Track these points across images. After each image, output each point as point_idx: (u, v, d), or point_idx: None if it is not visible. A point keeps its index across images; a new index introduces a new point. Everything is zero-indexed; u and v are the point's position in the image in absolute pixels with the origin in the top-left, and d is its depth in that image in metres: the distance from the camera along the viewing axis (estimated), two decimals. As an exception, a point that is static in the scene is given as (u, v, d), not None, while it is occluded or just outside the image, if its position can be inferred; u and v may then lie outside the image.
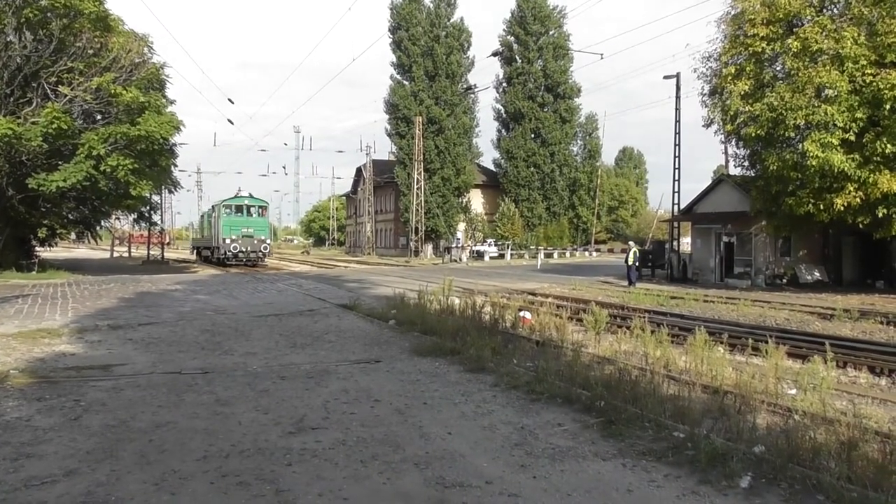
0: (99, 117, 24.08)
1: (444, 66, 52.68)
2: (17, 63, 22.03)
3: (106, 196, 25.67)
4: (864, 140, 18.59)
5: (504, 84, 57.05)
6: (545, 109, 56.13)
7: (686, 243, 35.40)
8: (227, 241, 35.24)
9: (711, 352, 7.85)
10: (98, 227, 34.68)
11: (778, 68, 21.64)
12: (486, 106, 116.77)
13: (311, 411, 6.04)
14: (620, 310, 15.78)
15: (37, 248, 31.55)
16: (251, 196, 38.17)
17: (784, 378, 7.42)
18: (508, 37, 56.27)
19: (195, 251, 50.16)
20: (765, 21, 20.66)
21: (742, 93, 20.92)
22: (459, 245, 49.87)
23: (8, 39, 21.81)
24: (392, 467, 4.61)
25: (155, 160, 25.30)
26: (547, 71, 55.64)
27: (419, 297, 13.01)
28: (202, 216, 47.96)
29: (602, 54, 64.87)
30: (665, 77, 30.51)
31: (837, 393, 7.65)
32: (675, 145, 29.86)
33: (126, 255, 51.03)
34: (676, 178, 29.99)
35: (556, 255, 51.75)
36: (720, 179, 29.43)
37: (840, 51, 18.51)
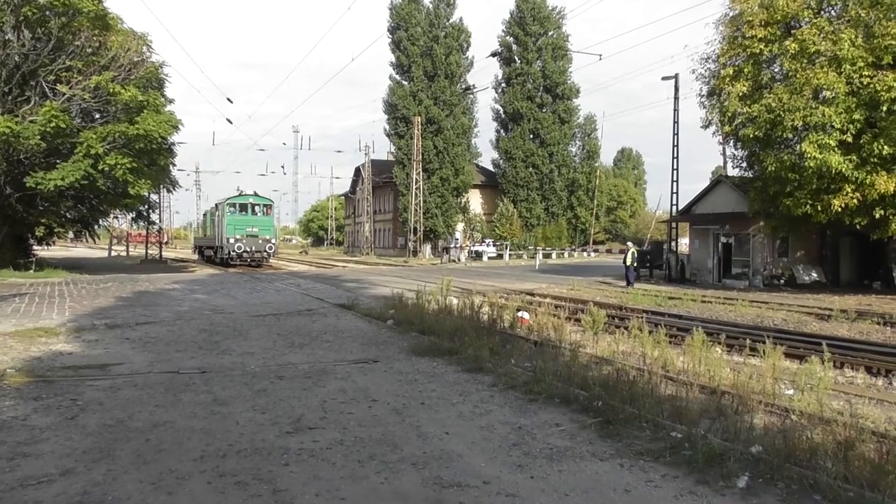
0: (97, 116, 24.05)
1: (443, 67, 52.68)
2: (15, 61, 21.99)
3: (104, 195, 25.63)
4: (861, 141, 18.63)
5: (503, 84, 57.08)
6: (544, 110, 56.15)
7: (684, 244, 35.47)
8: (231, 240, 34.36)
9: (709, 352, 7.85)
10: (96, 226, 34.66)
11: (776, 70, 21.69)
12: (485, 106, 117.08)
13: (308, 411, 6.03)
14: (618, 310, 15.79)
15: (34, 247, 31.48)
16: (256, 194, 37.27)
17: (781, 378, 7.42)
18: (507, 37, 56.30)
19: (197, 251, 49.04)
20: (763, 23, 20.70)
21: (740, 94, 20.96)
22: (458, 245, 49.87)
23: (6, 38, 21.78)
24: (390, 467, 4.61)
25: (153, 159, 25.25)
26: (546, 71, 55.67)
27: (417, 297, 13.01)
28: (205, 215, 46.88)
29: (601, 55, 64.53)
30: (663, 78, 30.58)
31: (834, 393, 7.66)
32: (674, 146, 29.91)
33: (124, 254, 50.93)
34: (675, 178, 30.05)
35: (554, 256, 51.78)
36: (718, 180, 29.49)
37: (838, 53, 18.55)
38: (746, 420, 5.55)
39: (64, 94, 21.70)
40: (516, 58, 56.04)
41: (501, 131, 57.89)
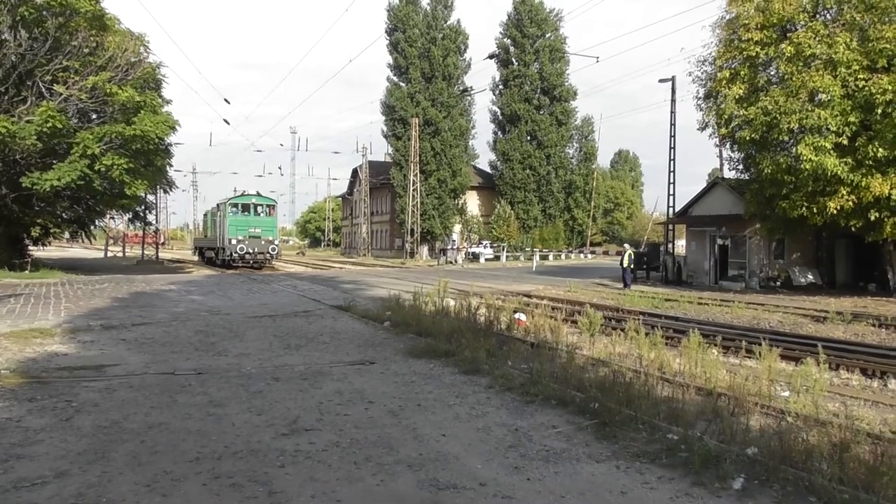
0: (94, 116, 24.01)
1: (441, 68, 52.73)
2: (12, 61, 21.93)
3: (100, 195, 25.57)
4: (856, 144, 18.71)
5: (500, 86, 57.17)
6: (541, 112, 56.23)
7: (681, 246, 35.53)
8: (234, 241, 33.47)
9: (705, 354, 7.86)
10: (92, 227, 34.57)
11: (772, 73, 21.76)
12: (483, 108, 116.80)
13: (304, 413, 6.02)
14: (615, 312, 15.81)
15: (30, 248, 31.35)
16: (259, 194, 36.60)
17: (777, 380, 7.44)
18: (505, 39, 56.39)
19: (197, 252, 47.71)
20: (759, 26, 20.77)
21: (736, 96, 21.02)
22: (455, 247, 49.88)
23: (3, 37, 21.74)
24: (386, 469, 4.60)
25: (150, 160, 25.21)
26: (543, 73, 55.76)
27: (414, 298, 13.01)
28: (205, 215, 45.36)
29: (598, 57, 64.77)
30: (660, 80, 30.65)
31: (830, 395, 7.68)
32: (671, 148, 29.99)
33: (120, 254, 50.82)
34: (671, 181, 30.12)
35: (551, 257, 51.82)
36: (715, 182, 29.56)
37: (833, 56, 18.62)
38: (742, 422, 5.56)
39: (61, 94, 21.65)
40: (514, 60, 56.13)
41: (499, 133, 57.97)
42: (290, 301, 16.31)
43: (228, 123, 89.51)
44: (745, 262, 25.92)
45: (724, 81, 21.62)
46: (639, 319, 10.95)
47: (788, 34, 20.60)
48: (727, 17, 22.45)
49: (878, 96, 17.52)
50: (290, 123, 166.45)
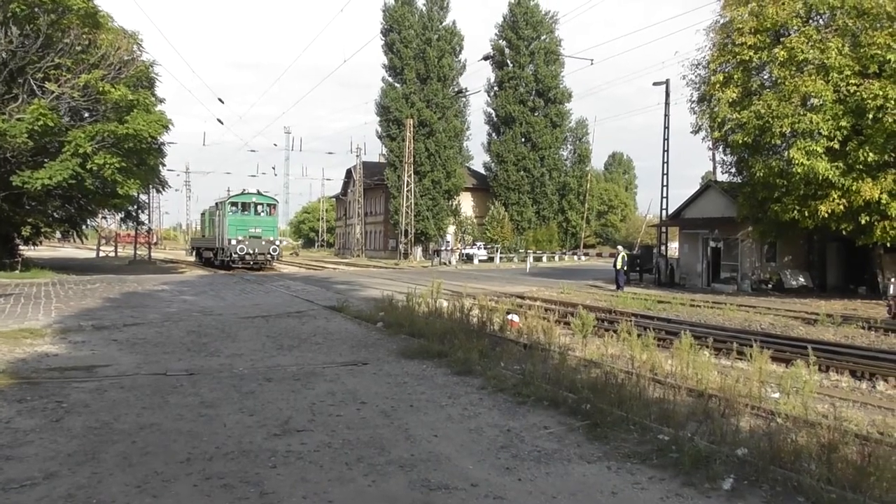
0: (86, 115, 23.88)
1: (436, 69, 52.74)
2: (2, 58, 21.81)
3: (92, 195, 25.45)
4: (847, 148, 18.84)
5: (495, 88, 57.23)
6: (536, 114, 56.33)
7: (674, 248, 35.64)
8: (233, 241, 32.36)
9: (697, 355, 7.91)
10: (84, 226, 34.43)
11: (765, 77, 21.90)
12: (477, 109, 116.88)
13: (296, 413, 6.02)
14: (608, 313, 15.86)
15: (21, 247, 31.16)
16: (259, 193, 35.65)
17: (768, 382, 7.49)
18: (500, 41, 56.45)
19: (195, 252, 46.11)
20: (752, 30, 20.90)
21: (730, 100, 21.15)
22: (449, 248, 49.88)
23: (-6, 35, 21.60)
24: (377, 469, 4.60)
25: (143, 159, 25.12)
26: (538, 75, 55.87)
27: (407, 299, 13.01)
28: (203, 214, 43.92)
29: (592, 60, 65.39)
30: (654, 83, 30.84)
31: (819, 396, 7.73)
32: (664, 151, 30.11)
33: (112, 254, 50.55)
34: (665, 183, 30.26)
35: (545, 259, 51.90)
36: (708, 185, 29.69)
37: (825, 61, 18.76)
38: (733, 423, 5.60)
39: (52, 92, 21.53)
40: (509, 61, 56.21)
41: (493, 134, 58.03)
42: (283, 301, 16.28)
43: (222, 123, 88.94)
44: (737, 264, 26.05)
45: (718, 85, 21.75)
46: (631, 321, 10.99)
47: (782, 39, 20.74)
48: (721, 21, 22.60)
49: (869, 101, 17.65)
50: (284, 123, 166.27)
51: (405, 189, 51.14)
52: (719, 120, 21.82)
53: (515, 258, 50.02)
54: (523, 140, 56.28)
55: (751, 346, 7.58)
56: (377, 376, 7.71)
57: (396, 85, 53.55)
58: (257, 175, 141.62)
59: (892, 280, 19.10)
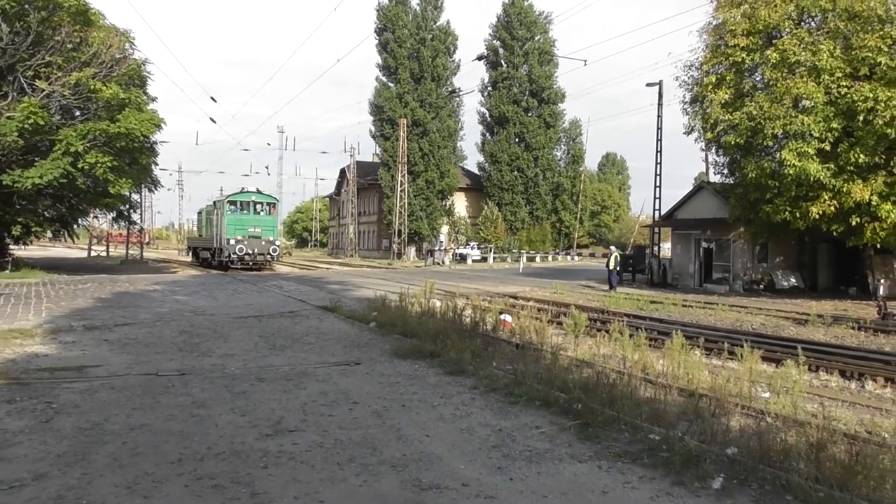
0: (77, 113, 23.74)
1: (430, 69, 52.75)
2: (-7, 56, 21.67)
3: (84, 194, 25.30)
4: (838, 150, 18.98)
5: (489, 88, 57.31)
6: (530, 114, 56.45)
7: (666, 248, 35.81)
8: (232, 241, 31.47)
9: (688, 355, 7.94)
10: (75, 226, 34.14)
11: (757, 78, 22.03)
12: (471, 109, 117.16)
13: (288, 413, 6.01)
14: (600, 313, 15.90)
15: (11, 247, 30.92)
16: (259, 191, 34.82)
17: (758, 381, 7.54)
18: (494, 41, 56.55)
19: (191, 252, 44.63)
20: (745, 32, 21.01)
21: (722, 101, 21.25)
22: (442, 248, 49.91)
23: (-16, 32, 21.45)
24: (369, 469, 4.61)
25: (135, 158, 25.00)
26: (532, 76, 55.98)
27: (400, 299, 13.01)
28: (200, 213, 42.51)
29: (585, 61, 65.52)
30: (648, 85, 31.12)
31: (809, 396, 7.79)
32: (657, 152, 30.25)
33: (104, 254, 50.29)
34: (658, 184, 30.38)
35: (538, 259, 52.00)
36: (700, 186, 29.84)
37: (817, 63, 18.88)
38: (723, 422, 5.62)
39: (43, 90, 21.40)
40: (503, 62, 56.29)
41: (487, 135, 58.11)
42: (276, 301, 16.24)
43: (215, 122, 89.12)
44: (729, 265, 26.19)
45: (711, 86, 21.85)
46: (623, 321, 11.02)
47: (774, 41, 20.86)
48: (714, 23, 22.70)
49: (860, 103, 17.78)
50: (277, 123, 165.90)
51: (399, 189, 51.11)
52: (712, 121, 21.93)
53: (509, 258, 50.10)
54: (517, 140, 56.37)
55: (742, 346, 7.63)
56: (369, 376, 7.71)
57: (390, 84, 53.53)
58: (250, 174, 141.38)
59: (882, 281, 19.26)
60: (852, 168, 18.59)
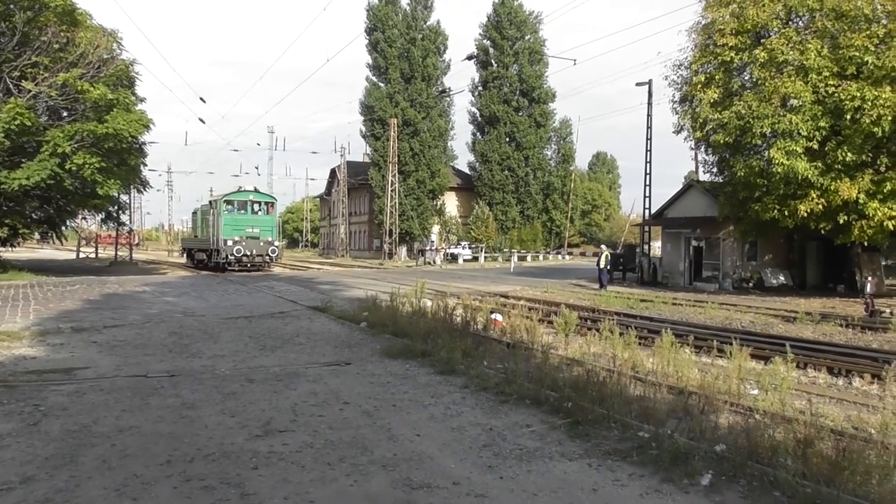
0: (65, 114, 23.56)
1: (420, 69, 52.72)
2: (-22, 57, 21.46)
3: (72, 195, 25.12)
4: (826, 149, 19.14)
5: (479, 88, 57.34)
6: (520, 113, 56.53)
7: (657, 247, 35.99)
8: (229, 242, 30.59)
9: (678, 353, 7.99)
10: (63, 227, 33.86)
11: (746, 78, 22.17)
12: (462, 109, 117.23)
13: (278, 414, 5.99)
14: (591, 312, 15.95)
15: (-2, 249, 30.68)
16: (257, 191, 34.06)
17: (747, 379, 7.59)
18: (484, 41, 56.60)
19: (186, 254, 43.35)
20: (734, 32, 21.15)
21: (711, 101, 21.38)
22: (433, 247, 49.90)
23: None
24: (359, 469, 4.60)
25: (123, 159, 24.84)
26: (522, 75, 56.07)
27: (391, 299, 12.99)
28: (195, 213, 41.21)
29: (575, 60, 65.73)
30: (637, 84, 31.17)
31: (797, 393, 7.85)
32: (647, 151, 30.36)
33: (93, 256, 49.90)
34: (648, 183, 30.50)
35: (529, 258, 52.10)
36: (690, 185, 30.01)
37: (804, 62, 19.04)
38: (712, 419, 5.67)
39: (29, 90, 21.21)
40: (493, 61, 56.35)
41: (478, 134, 58.16)
42: (267, 302, 16.18)
43: (204, 122, 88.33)
44: (718, 263, 26.35)
45: (700, 85, 21.98)
46: (614, 319, 11.07)
47: (762, 40, 21.02)
48: (703, 23, 22.82)
49: (847, 102, 17.94)
50: (267, 123, 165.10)
51: (390, 189, 51.06)
52: (701, 120, 22.06)
53: (500, 258, 50.16)
54: (507, 140, 56.45)
55: (731, 344, 7.67)
56: (360, 376, 7.70)
57: (381, 84, 53.46)
58: (240, 175, 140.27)
59: (869, 278, 19.47)
60: (840, 166, 18.75)
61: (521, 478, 4.50)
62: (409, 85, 52.73)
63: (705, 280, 26.35)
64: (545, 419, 5.88)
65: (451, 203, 58.59)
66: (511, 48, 55.73)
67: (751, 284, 24.96)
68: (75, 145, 21.62)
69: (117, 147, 23.00)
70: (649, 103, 30.25)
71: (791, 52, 19.53)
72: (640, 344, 9.05)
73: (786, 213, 20.02)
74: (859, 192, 18.51)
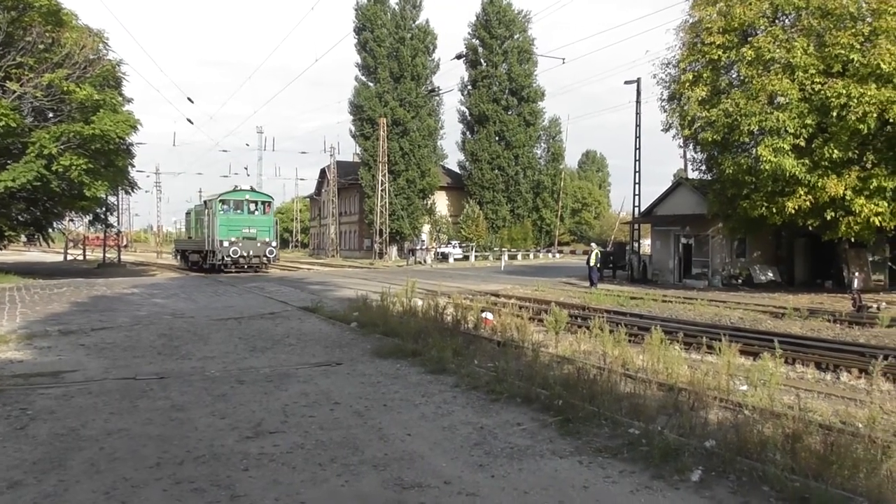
0: (51, 115, 23.36)
1: (410, 68, 52.64)
2: (-38, 58, 21.22)
3: (58, 197, 24.92)
4: (813, 146, 19.29)
5: (469, 87, 57.32)
6: (509, 112, 56.57)
7: (646, 245, 36.15)
8: (225, 243, 29.74)
9: (668, 350, 8.02)
10: (50, 230, 33.60)
11: (733, 76, 22.31)
12: (451, 108, 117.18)
13: (269, 415, 5.97)
14: (581, 310, 16.01)
15: (-16, 251, 30.35)
16: (253, 190, 33.39)
17: (736, 375, 7.63)
18: (473, 40, 56.56)
19: (179, 255, 41.69)
20: (721, 30, 21.27)
21: (699, 99, 21.49)
22: (424, 247, 49.85)
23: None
24: (350, 469, 4.59)
25: (111, 160, 24.66)
26: (511, 74, 56.11)
27: (382, 298, 12.97)
28: (188, 214, 40.14)
29: (564, 59, 65.76)
30: (626, 82, 31.16)
31: (786, 388, 7.91)
32: (636, 149, 30.49)
33: (80, 258, 49.47)
34: (637, 181, 30.63)
35: (519, 257, 52.18)
36: (679, 183, 30.16)
37: (791, 60, 19.19)
38: (702, 416, 5.70)
39: (14, 91, 20.99)
40: (482, 60, 56.35)
41: (467, 133, 58.13)
42: (257, 303, 16.11)
43: (192, 123, 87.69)
44: (708, 260, 26.51)
45: (688, 84, 22.09)
46: (604, 317, 11.11)
47: (749, 38, 21.15)
48: (690, 21, 22.94)
49: (834, 100, 18.09)
50: (256, 123, 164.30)
51: (380, 188, 50.96)
52: (689, 118, 22.17)
53: (490, 256, 50.21)
54: (497, 139, 56.48)
55: (720, 341, 7.72)
56: (351, 376, 7.69)
57: (370, 84, 53.32)
58: (229, 175, 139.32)
59: (857, 274, 19.65)
60: (826, 163, 18.91)
61: (512, 476, 4.50)
62: (399, 84, 52.64)
63: (695, 277, 26.50)
64: (536, 417, 5.89)
65: (441, 202, 58.56)
66: (500, 47, 55.75)
67: (740, 281, 25.14)
68: (62, 147, 21.44)
69: (104, 148, 22.83)
70: (638, 101, 30.40)
71: (778, 50, 19.67)
72: (630, 341, 9.08)
73: (774, 210, 20.17)
74: (846, 189, 18.67)
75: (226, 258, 29.97)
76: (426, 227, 55.49)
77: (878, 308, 16.33)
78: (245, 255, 30.33)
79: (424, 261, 46.29)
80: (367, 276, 30.41)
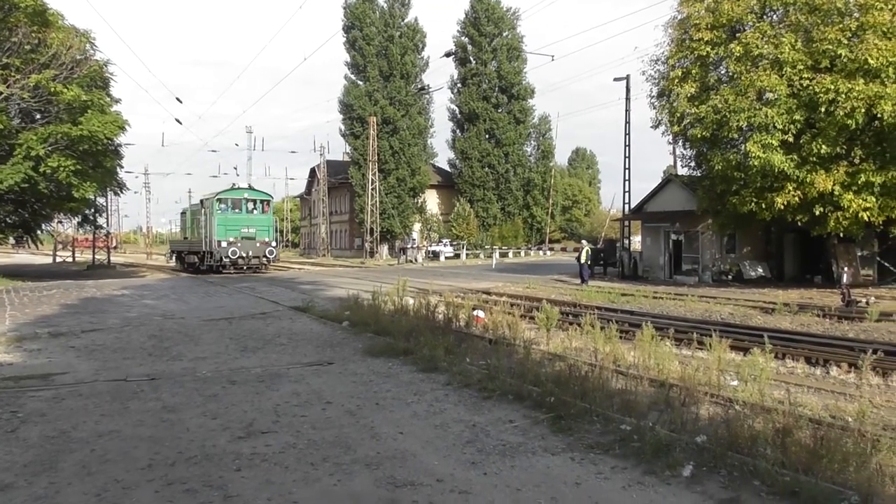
0: (38, 116, 23.16)
1: (399, 67, 52.55)
2: (-54, 58, 20.98)
3: (47, 198, 24.72)
4: (801, 141, 19.41)
5: (458, 85, 57.30)
6: (499, 110, 56.60)
7: (637, 241, 36.30)
8: (223, 244, 29.13)
9: (658, 346, 8.07)
10: (39, 231, 33.31)
11: (722, 72, 22.41)
12: (441, 106, 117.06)
13: (261, 415, 5.95)
14: (572, 307, 16.04)
15: (-29, 254, 30.04)
16: (251, 188, 32.59)
17: (726, 370, 7.69)
18: (462, 38, 56.53)
19: (174, 256, 41.13)
20: (709, 26, 21.36)
21: (688, 95, 21.57)
22: (415, 245, 49.80)
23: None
24: (343, 469, 4.59)
25: (99, 161, 24.49)
26: (501, 72, 56.13)
27: (373, 297, 12.96)
28: (184, 213, 39.24)
29: (553, 56, 65.79)
30: (615, 79, 31.25)
31: (776, 383, 7.98)
32: (626, 146, 30.61)
33: (70, 260, 49.08)
34: (627, 178, 30.78)
35: (510, 255, 52.25)
36: (668, 179, 30.29)
37: (779, 56, 19.29)
38: (693, 411, 5.73)
39: (1, 93, 20.78)
40: (471, 58, 56.33)
41: (457, 131, 58.11)
42: (248, 303, 16.05)
43: (181, 123, 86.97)
44: (698, 256, 26.66)
45: (676, 80, 22.17)
46: (595, 314, 11.15)
47: (737, 34, 21.24)
48: (679, 17, 23.02)
49: (822, 95, 18.21)
50: (245, 123, 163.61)
51: (370, 187, 50.87)
52: (678, 114, 22.25)
53: (481, 254, 50.25)
54: (487, 136, 56.49)
55: (711, 336, 7.78)
56: (342, 375, 7.68)
57: (359, 82, 53.19)
58: (219, 175, 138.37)
59: (846, 269, 19.78)
60: (815, 159, 19.03)
61: (504, 473, 4.52)
62: (388, 83, 52.54)
63: (685, 273, 26.64)
64: (528, 414, 5.91)
65: (431, 201, 58.53)
66: (489, 45, 55.75)
67: (730, 277, 25.29)
68: (49, 148, 21.27)
69: (92, 149, 22.67)
70: (627, 98, 30.51)
71: (766, 46, 19.77)
72: (621, 338, 9.12)
73: (763, 205, 20.29)
74: (834, 184, 18.80)
75: (224, 259, 29.33)
76: (417, 226, 55.45)
77: (867, 302, 16.48)
78: (244, 255, 29.72)
79: (415, 259, 46.27)
80: (358, 275, 30.36)
